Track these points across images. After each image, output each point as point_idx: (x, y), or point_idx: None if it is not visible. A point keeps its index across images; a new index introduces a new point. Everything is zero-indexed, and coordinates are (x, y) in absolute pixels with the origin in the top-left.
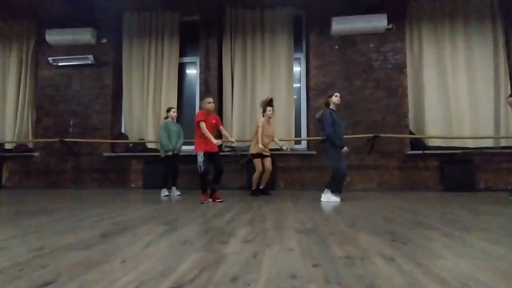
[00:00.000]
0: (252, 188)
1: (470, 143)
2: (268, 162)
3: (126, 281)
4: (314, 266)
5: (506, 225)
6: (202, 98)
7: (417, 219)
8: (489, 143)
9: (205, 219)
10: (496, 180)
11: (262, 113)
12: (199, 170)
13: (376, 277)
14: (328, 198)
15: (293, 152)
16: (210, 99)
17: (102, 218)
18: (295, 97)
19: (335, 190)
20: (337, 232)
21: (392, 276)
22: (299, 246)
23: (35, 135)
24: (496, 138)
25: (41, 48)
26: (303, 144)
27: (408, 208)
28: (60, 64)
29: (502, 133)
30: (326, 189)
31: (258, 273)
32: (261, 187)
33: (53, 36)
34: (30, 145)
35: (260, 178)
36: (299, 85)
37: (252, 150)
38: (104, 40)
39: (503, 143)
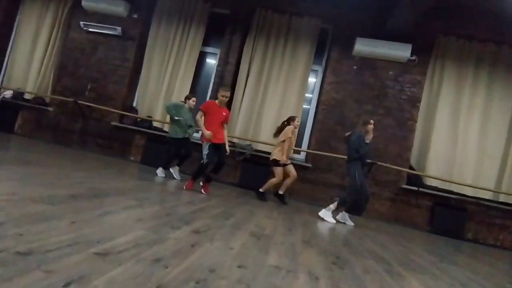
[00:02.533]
0: (261, 190)
1: (468, 191)
2: (293, 168)
3: (63, 239)
4: (239, 267)
5: (459, 277)
6: (219, 87)
7: (378, 251)
8: (487, 195)
9: (174, 204)
10: (486, 234)
11: (287, 123)
12: (203, 161)
13: None
14: (325, 215)
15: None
16: (227, 93)
17: (83, 182)
18: (304, 106)
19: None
20: (288, 243)
21: None
22: (240, 248)
23: (53, 92)
24: (496, 192)
25: (76, 11)
26: (302, 155)
27: (379, 240)
28: (90, 30)
29: (504, 188)
30: (339, 211)
31: (182, 260)
32: (280, 192)
33: (89, 2)
34: (47, 100)
35: (279, 184)
36: (311, 95)
37: (277, 157)
38: (135, 16)
39: (502, 198)
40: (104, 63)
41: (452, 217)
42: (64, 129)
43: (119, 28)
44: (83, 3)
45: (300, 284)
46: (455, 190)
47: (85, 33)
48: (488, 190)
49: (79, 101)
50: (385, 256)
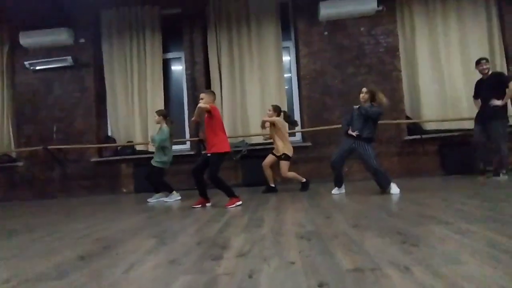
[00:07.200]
0: (304, 180)
1: (468, 124)
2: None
3: None
4: (320, 286)
5: None
6: (209, 91)
7: (424, 211)
8: None
9: (197, 227)
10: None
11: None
12: (214, 173)
13: None
14: (393, 189)
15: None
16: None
17: (86, 234)
18: (286, 87)
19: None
20: (341, 234)
21: None
22: (301, 258)
23: (17, 144)
24: None
25: (17, 52)
26: (298, 136)
27: (411, 198)
28: (37, 68)
29: None
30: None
31: None
32: (272, 185)
33: (27, 39)
34: (13, 155)
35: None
36: (289, 75)
37: (290, 152)
38: (82, 40)
39: None
40: (63, 99)
41: (461, 154)
42: (41, 181)
43: (69, 58)
44: (22, 41)
45: (398, 283)
46: (455, 127)
47: (33, 72)
48: None
49: (49, 147)
50: (436, 215)
